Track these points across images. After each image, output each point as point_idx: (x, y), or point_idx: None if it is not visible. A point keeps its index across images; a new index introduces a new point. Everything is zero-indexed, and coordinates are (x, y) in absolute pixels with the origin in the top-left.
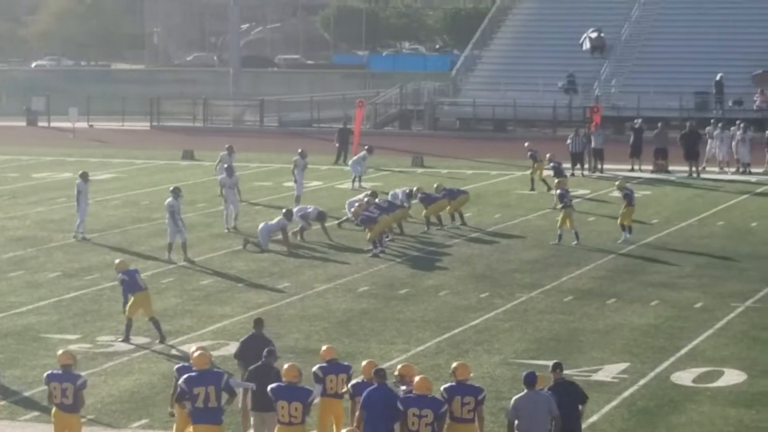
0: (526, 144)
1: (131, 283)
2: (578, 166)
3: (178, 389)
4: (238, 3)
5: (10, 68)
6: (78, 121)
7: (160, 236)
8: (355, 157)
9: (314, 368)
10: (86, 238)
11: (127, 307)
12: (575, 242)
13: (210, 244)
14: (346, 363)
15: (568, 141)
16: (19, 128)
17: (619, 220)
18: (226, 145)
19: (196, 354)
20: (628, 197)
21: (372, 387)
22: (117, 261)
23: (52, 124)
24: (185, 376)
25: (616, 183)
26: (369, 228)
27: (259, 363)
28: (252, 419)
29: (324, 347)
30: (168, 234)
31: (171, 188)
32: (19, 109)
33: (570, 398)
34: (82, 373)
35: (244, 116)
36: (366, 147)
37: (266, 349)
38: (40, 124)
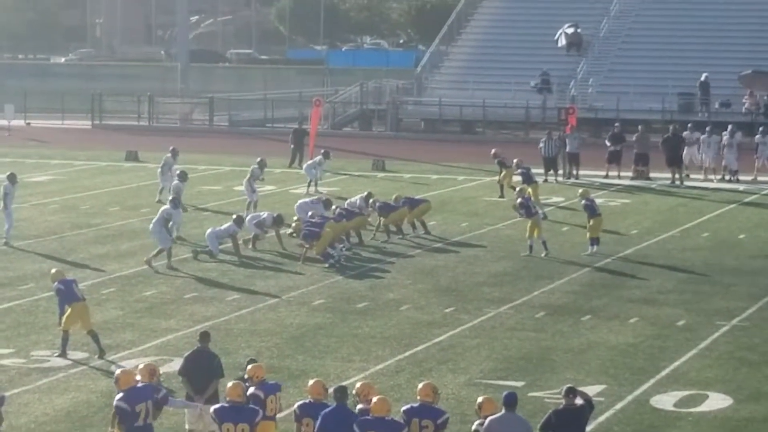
0: (492, 151)
1: (68, 294)
2: (551, 171)
3: (117, 410)
4: None
5: None
6: (14, 119)
7: (100, 243)
8: (310, 161)
9: (252, 390)
10: (10, 245)
11: (64, 319)
12: (544, 253)
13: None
14: (274, 381)
15: (541, 144)
16: None
17: (588, 234)
18: (171, 148)
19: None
20: (590, 208)
21: (329, 408)
22: (53, 270)
23: None
24: (121, 393)
25: (579, 192)
26: (313, 243)
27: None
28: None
29: (252, 366)
30: (159, 241)
31: (170, 197)
32: None
33: (574, 426)
34: (7, 393)
35: (193, 115)
36: (323, 151)
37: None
38: None
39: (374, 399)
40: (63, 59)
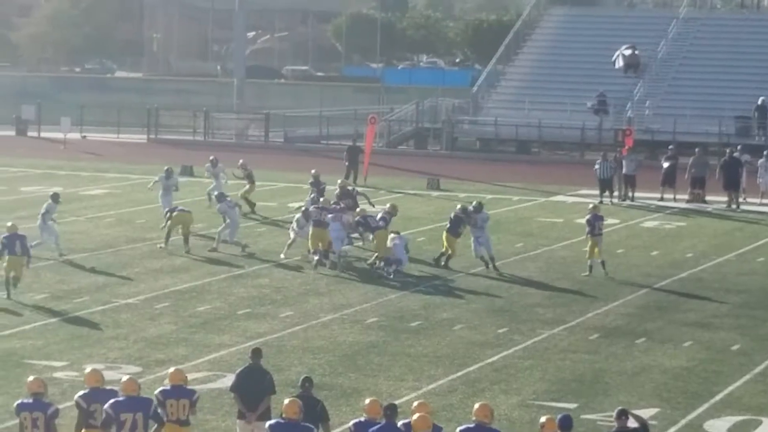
0: (240, 162)
1: (8, 246)
2: (606, 193)
3: (104, 414)
4: (244, 9)
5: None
6: (70, 132)
7: (154, 257)
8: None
9: (156, 392)
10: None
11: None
12: (604, 273)
13: (208, 268)
14: (190, 388)
15: (596, 166)
16: (7, 138)
17: (587, 255)
18: (166, 168)
19: (125, 378)
20: (590, 224)
21: (378, 426)
22: (9, 223)
23: (43, 135)
24: (112, 401)
25: (590, 206)
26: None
27: (300, 393)
28: None
29: (172, 369)
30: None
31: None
32: (7, 118)
33: None
34: (62, 405)
35: (248, 131)
36: (211, 158)
37: (303, 377)
38: (30, 134)
39: (415, 416)
40: (78, 69)
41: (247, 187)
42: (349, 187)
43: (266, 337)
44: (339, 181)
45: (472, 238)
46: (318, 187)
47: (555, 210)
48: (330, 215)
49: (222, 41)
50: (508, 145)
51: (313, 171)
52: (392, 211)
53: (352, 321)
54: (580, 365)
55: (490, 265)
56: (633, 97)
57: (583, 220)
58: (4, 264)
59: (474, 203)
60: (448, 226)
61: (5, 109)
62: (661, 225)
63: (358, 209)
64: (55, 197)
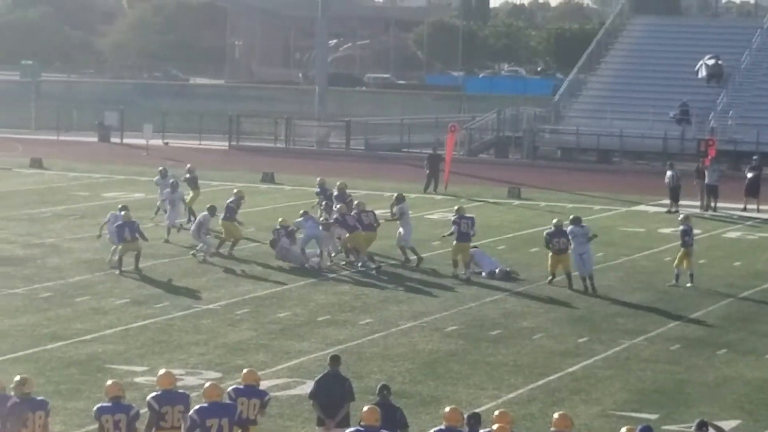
0: (188, 166)
1: (118, 234)
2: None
3: (189, 421)
4: (327, 17)
5: (83, 80)
6: (152, 138)
7: (234, 263)
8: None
9: (229, 389)
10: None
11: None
12: (689, 284)
13: (288, 275)
14: (263, 389)
15: (669, 172)
16: (90, 144)
17: (675, 263)
18: (160, 168)
19: (207, 384)
20: (686, 234)
21: None
22: (122, 212)
23: (125, 141)
24: (197, 407)
25: (680, 218)
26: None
27: (378, 401)
28: None
29: (246, 369)
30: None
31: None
32: (91, 124)
33: None
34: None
35: (329, 138)
36: (160, 169)
37: (381, 384)
38: (113, 140)
39: (495, 426)
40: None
41: (191, 194)
42: (347, 190)
43: (346, 344)
44: (338, 183)
45: (574, 255)
46: (325, 194)
47: (636, 219)
48: (301, 216)
49: (304, 49)
50: (589, 154)
51: (318, 179)
52: (461, 213)
53: (431, 329)
54: (661, 376)
55: (588, 284)
56: (716, 107)
57: (678, 230)
58: (119, 248)
59: (572, 217)
60: None
61: (89, 115)
62: (744, 236)
63: (343, 204)
64: (212, 210)
